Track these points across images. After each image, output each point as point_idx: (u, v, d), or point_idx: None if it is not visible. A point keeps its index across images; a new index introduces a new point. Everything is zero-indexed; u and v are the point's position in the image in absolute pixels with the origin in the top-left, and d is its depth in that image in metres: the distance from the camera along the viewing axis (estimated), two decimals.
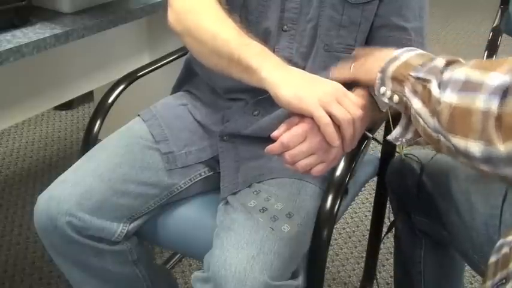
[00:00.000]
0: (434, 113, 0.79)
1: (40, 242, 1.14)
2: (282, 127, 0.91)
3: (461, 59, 0.83)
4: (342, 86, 0.94)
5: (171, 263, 1.81)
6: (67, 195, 1.07)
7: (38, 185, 2.16)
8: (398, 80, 0.89)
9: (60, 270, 1.17)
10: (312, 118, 0.89)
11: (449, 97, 0.76)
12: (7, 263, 1.79)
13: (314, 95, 0.90)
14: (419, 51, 0.91)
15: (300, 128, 0.90)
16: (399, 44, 1.12)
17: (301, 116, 0.91)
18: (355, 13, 1.12)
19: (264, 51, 0.97)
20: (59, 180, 1.11)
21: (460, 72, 0.77)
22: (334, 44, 1.14)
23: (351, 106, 0.91)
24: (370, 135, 1.06)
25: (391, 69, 0.90)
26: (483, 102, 0.71)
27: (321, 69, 1.12)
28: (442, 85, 0.79)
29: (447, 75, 0.79)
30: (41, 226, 1.09)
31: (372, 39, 1.15)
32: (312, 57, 1.14)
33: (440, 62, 0.83)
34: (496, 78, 0.71)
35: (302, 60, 1.14)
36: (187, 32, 1.05)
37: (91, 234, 1.09)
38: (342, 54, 1.14)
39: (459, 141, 0.74)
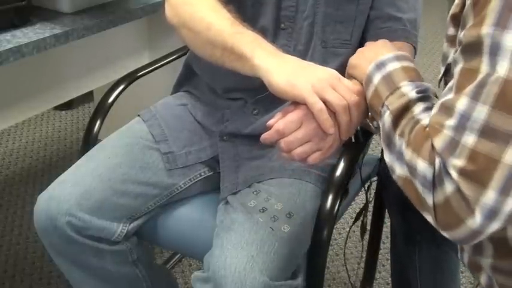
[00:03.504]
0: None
1: (40, 242, 1.14)
2: (277, 115, 0.90)
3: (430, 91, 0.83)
4: (337, 72, 0.94)
5: (171, 263, 1.81)
6: (67, 195, 1.07)
7: (38, 185, 2.16)
8: (374, 110, 0.89)
9: (60, 270, 1.17)
10: (307, 105, 0.89)
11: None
12: (7, 263, 1.79)
13: (307, 81, 0.89)
14: (404, 63, 0.90)
15: (295, 115, 0.89)
16: (394, 35, 1.12)
17: (297, 103, 0.90)
18: (350, 8, 1.12)
19: (257, 39, 0.97)
20: (58, 180, 1.11)
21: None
22: (331, 40, 1.14)
23: (346, 92, 0.90)
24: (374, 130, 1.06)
25: (370, 93, 0.90)
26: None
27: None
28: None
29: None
30: (41, 226, 1.09)
31: (366, 31, 1.15)
32: (310, 54, 1.14)
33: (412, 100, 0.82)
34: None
35: (300, 57, 1.14)
36: (183, 24, 1.05)
37: (91, 234, 1.09)
38: (338, 50, 1.15)
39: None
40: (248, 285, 0.93)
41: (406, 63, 0.89)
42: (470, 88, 0.69)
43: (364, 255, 1.68)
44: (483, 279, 0.82)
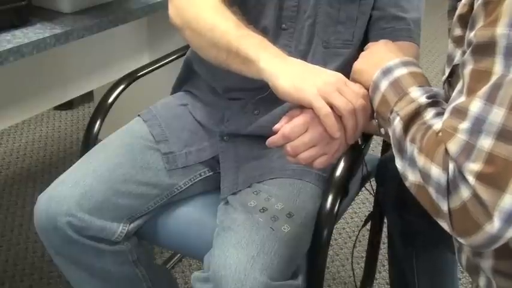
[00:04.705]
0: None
1: (40, 242, 1.14)
2: (283, 119, 0.90)
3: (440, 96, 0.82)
4: (343, 76, 0.93)
5: (171, 263, 1.81)
6: (67, 195, 1.07)
7: (38, 185, 2.16)
8: (381, 117, 0.88)
9: (60, 270, 1.17)
10: (313, 109, 0.88)
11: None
12: (7, 263, 1.79)
13: (313, 85, 0.88)
14: (411, 68, 0.88)
15: (301, 119, 0.88)
16: (399, 35, 1.12)
17: (302, 107, 0.89)
18: (351, 8, 1.12)
19: (262, 42, 0.96)
20: (58, 180, 1.11)
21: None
22: (332, 41, 1.14)
23: (352, 96, 0.89)
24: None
25: (377, 100, 0.89)
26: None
27: (320, 66, 1.12)
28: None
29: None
30: (41, 226, 1.09)
31: (370, 31, 1.15)
32: (311, 54, 1.14)
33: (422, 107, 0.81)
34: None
35: (301, 58, 1.13)
36: (187, 25, 1.04)
37: (91, 234, 1.09)
38: (340, 50, 1.14)
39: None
40: (248, 285, 0.93)
41: (413, 69, 0.88)
42: (484, 90, 0.67)
43: (364, 255, 1.68)
44: (482, 281, 0.82)
